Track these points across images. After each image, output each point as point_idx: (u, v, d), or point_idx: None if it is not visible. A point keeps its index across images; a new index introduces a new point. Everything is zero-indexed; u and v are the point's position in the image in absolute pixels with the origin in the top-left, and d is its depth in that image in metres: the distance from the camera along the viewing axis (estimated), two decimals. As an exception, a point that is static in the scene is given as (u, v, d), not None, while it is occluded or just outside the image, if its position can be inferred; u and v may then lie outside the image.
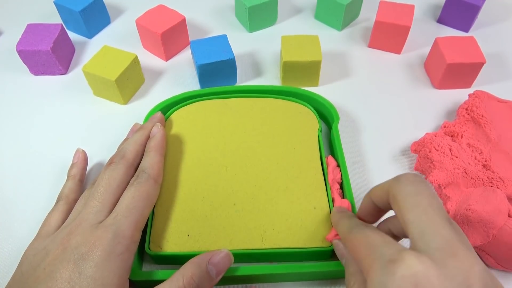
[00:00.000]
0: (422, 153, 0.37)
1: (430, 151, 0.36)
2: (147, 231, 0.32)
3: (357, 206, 0.36)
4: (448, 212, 0.34)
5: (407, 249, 0.22)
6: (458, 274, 0.20)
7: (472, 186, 0.35)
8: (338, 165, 0.36)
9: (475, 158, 0.36)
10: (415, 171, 0.38)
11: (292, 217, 0.32)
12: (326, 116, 0.41)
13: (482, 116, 0.38)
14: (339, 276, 0.31)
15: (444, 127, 0.39)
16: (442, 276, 0.20)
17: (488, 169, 0.36)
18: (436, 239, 0.21)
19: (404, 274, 0.20)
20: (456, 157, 0.35)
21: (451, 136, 0.39)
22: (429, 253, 0.21)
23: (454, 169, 0.35)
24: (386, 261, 0.22)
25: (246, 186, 0.34)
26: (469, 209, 0.32)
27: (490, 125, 0.38)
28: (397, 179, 0.25)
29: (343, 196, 0.35)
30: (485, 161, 0.36)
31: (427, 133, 0.38)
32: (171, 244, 0.31)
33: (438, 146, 0.36)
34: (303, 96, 0.41)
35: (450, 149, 0.36)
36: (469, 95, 0.41)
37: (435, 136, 0.37)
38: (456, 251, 0.21)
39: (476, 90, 0.41)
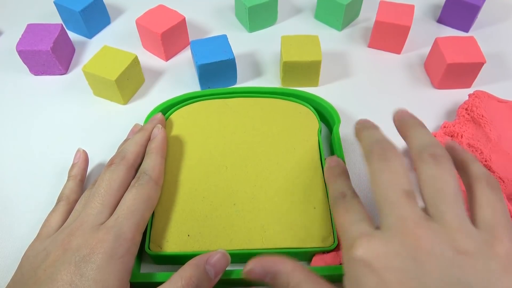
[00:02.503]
0: (422, 153, 0.37)
1: (430, 151, 0.36)
2: (147, 231, 0.32)
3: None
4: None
5: (365, 234, 0.24)
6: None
7: (472, 186, 0.35)
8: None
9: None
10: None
11: (292, 217, 0.32)
12: (327, 118, 0.41)
13: (482, 116, 0.38)
14: (337, 280, 0.31)
15: (444, 127, 0.39)
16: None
17: (488, 169, 0.36)
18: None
19: (357, 258, 0.23)
20: (456, 157, 0.35)
21: (451, 136, 0.39)
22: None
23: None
24: (348, 245, 0.24)
25: (246, 186, 0.34)
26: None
27: (490, 125, 0.38)
28: (420, 157, 0.28)
29: None
30: (485, 161, 0.36)
31: (427, 133, 0.38)
32: (171, 244, 0.31)
33: (438, 146, 0.36)
34: (305, 98, 0.41)
35: (450, 149, 0.36)
36: (469, 95, 0.41)
37: (435, 136, 0.37)
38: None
39: (476, 90, 0.41)
